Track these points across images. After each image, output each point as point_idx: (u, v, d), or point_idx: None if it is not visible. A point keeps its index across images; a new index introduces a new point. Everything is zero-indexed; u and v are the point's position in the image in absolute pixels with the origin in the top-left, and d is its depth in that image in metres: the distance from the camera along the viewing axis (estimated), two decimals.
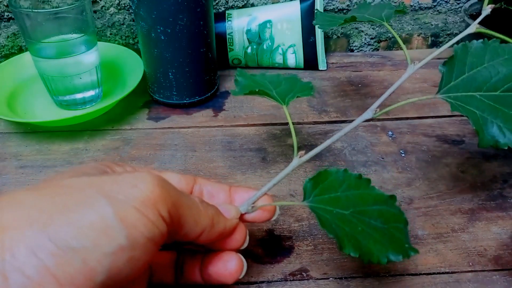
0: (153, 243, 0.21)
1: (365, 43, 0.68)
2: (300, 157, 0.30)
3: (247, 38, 0.58)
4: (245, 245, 0.29)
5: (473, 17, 0.56)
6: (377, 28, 0.67)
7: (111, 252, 0.19)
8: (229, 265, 0.27)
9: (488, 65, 0.29)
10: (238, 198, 0.30)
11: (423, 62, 0.32)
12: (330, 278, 0.33)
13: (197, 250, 0.29)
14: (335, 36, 0.67)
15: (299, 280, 0.33)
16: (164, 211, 0.21)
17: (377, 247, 0.25)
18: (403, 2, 0.65)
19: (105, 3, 0.63)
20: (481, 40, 0.30)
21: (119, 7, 0.63)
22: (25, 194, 0.20)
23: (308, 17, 0.58)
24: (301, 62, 0.60)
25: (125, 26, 0.65)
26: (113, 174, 0.23)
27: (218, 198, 0.29)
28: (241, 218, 0.29)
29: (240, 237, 0.28)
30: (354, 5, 0.65)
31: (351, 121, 0.51)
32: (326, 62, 0.62)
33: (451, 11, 0.67)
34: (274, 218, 0.30)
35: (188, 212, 0.23)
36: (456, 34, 0.68)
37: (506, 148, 0.25)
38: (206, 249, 0.29)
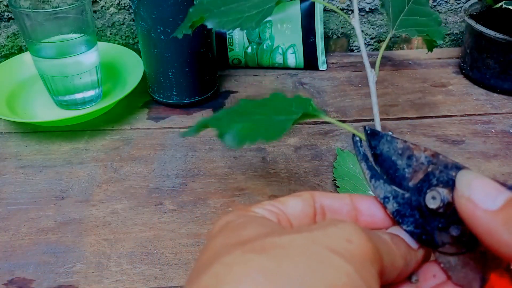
0: None
1: (365, 43, 0.68)
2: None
3: (247, 38, 0.58)
4: None
5: (473, 17, 0.56)
6: (377, 28, 0.67)
7: None
8: None
9: None
10: (365, 209, 0.26)
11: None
12: None
13: None
14: (335, 36, 0.67)
15: None
16: (377, 266, 0.19)
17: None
18: None
19: (105, 3, 0.63)
20: None
21: (119, 7, 0.63)
22: (243, 259, 0.17)
23: (308, 17, 0.58)
24: (301, 62, 0.60)
25: (125, 26, 0.65)
26: (311, 226, 0.21)
27: (341, 213, 0.26)
28: None
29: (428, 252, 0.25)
30: None
31: (351, 121, 0.51)
32: (326, 62, 0.62)
33: (451, 11, 0.67)
34: None
35: (387, 258, 0.21)
36: (456, 34, 0.68)
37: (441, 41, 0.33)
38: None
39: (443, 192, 0.22)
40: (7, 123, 0.50)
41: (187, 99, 0.52)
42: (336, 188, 0.40)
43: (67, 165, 0.44)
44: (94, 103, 0.52)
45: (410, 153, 0.24)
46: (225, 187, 0.41)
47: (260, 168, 0.44)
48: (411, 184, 0.24)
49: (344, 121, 0.50)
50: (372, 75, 0.27)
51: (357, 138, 0.26)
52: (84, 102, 0.51)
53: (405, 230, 0.24)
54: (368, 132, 0.25)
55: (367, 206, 0.26)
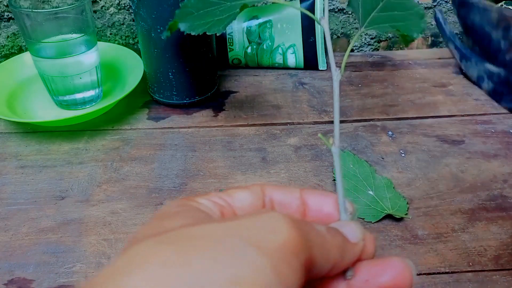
0: None
1: (365, 43, 0.68)
2: (333, 145, 0.26)
3: (247, 38, 0.58)
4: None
5: None
6: None
7: None
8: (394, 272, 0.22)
9: None
10: (313, 204, 0.26)
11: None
12: None
13: None
14: (335, 36, 0.67)
15: None
16: (302, 257, 0.18)
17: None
18: None
19: (105, 3, 0.63)
20: None
21: (119, 7, 0.63)
22: (152, 249, 0.17)
23: (308, 17, 0.58)
24: (301, 62, 0.60)
25: (125, 26, 0.65)
26: (236, 217, 0.20)
27: (291, 207, 0.25)
28: None
29: (371, 248, 0.24)
30: None
31: (351, 121, 0.51)
32: (326, 62, 0.62)
33: (451, 11, 0.67)
34: (355, 218, 0.26)
35: (318, 250, 0.20)
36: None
37: (411, 39, 0.30)
38: None
39: None
40: (7, 123, 0.50)
41: (187, 99, 0.52)
42: (336, 188, 0.40)
43: (67, 165, 0.44)
44: (94, 103, 0.52)
45: (507, 24, 0.22)
46: (225, 187, 0.41)
47: (260, 168, 0.44)
48: (507, 57, 0.21)
49: (344, 121, 0.50)
50: (336, 73, 0.26)
51: (439, 16, 0.25)
52: (84, 102, 0.51)
53: (505, 107, 0.22)
54: (457, 1, 0.23)
55: (316, 201, 0.26)
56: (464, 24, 0.24)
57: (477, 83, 0.24)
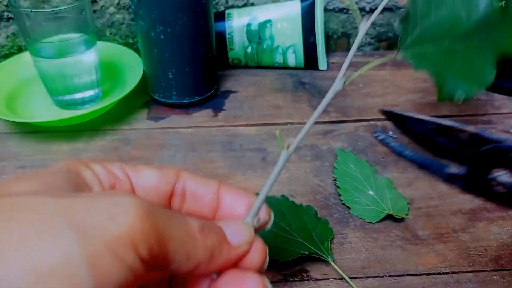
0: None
1: (366, 43, 0.68)
2: (287, 148, 0.25)
3: (247, 38, 0.58)
4: (265, 266, 0.23)
5: None
6: (377, 28, 0.67)
7: None
8: None
9: (434, 16, 0.25)
10: (227, 202, 0.24)
11: (372, 18, 0.28)
12: (331, 279, 0.33)
13: None
14: (336, 36, 0.67)
15: (299, 280, 0.33)
16: (144, 250, 0.17)
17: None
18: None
19: (105, 2, 0.62)
20: None
21: (118, 7, 0.63)
22: None
23: (308, 16, 0.58)
24: (301, 62, 0.60)
25: (124, 25, 0.65)
26: (88, 194, 0.19)
27: (202, 200, 0.24)
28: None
29: (259, 258, 0.22)
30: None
31: (351, 121, 0.51)
32: (327, 62, 0.62)
33: None
34: (268, 227, 0.25)
35: (178, 246, 0.18)
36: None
37: (460, 100, 0.23)
38: None
39: (505, 176, 0.21)
40: (7, 123, 0.50)
41: (187, 99, 0.52)
42: (336, 188, 0.40)
43: None
44: (93, 103, 0.51)
45: (446, 132, 0.22)
46: None
47: (260, 168, 0.44)
48: (462, 156, 0.22)
49: (344, 121, 0.50)
50: (340, 83, 0.25)
51: (379, 135, 0.25)
52: (83, 102, 0.51)
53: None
54: (396, 122, 0.24)
55: (231, 199, 0.24)
56: (410, 136, 0.24)
57: (447, 183, 0.24)
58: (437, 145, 0.23)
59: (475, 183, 0.22)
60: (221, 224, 0.22)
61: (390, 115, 0.24)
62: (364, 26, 0.24)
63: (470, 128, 0.22)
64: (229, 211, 0.24)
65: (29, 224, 0.15)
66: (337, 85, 0.25)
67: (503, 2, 0.50)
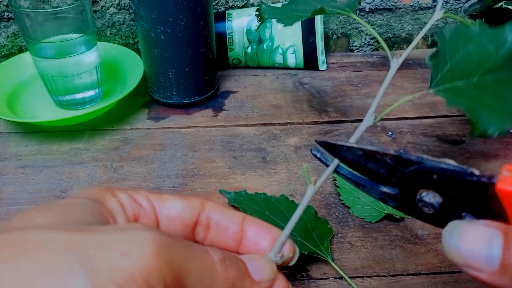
0: None
1: (365, 43, 0.68)
2: (314, 183, 0.25)
3: (247, 38, 0.58)
4: None
5: (473, 17, 0.56)
6: (377, 28, 0.67)
7: None
8: None
9: (462, 52, 0.25)
10: (251, 234, 0.24)
11: (404, 56, 0.29)
12: (330, 278, 0.33)
13: None
14: (335, 36, 0.67)
15: (299, 279, 0.33)
16: (163, 286, 0.16)
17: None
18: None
19: (105, 3, 0.63)
20: (453, 26, 0.28)
21: (119, 7, 0.63)
22: None
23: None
24: (301, 62, 0.60)
25: (125, 26, 0.65)
26: (103, 228, 0.18)
27: (226, 232, 0.24)
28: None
29: None
30: None
31: (351, 121, 0.51)
32: (326, 62, 0.62)
33: (451, 11, 0.67)
34: (293, 263, 0.25)
35: (196, 279, 0.18)
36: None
37: (495, 136, 0.23)
38: None
39: (430, 197, 0.22)
40: (7, 123, 0.50)
41: (187, 99, 0.52)
42: (336, 188, 0.40)
43: (67, 165, 0.44)
44: (94, 103, 0.52)
45: (373, 158, 0.23)
46: (225, 187, 0.41)
47: (260, 168, 0.44)
48: (394, 179, 0.23)
49: (344, 121, 0.50)
50: (371, 119, 0.26)
51: (317, 153, 0.25)
52: (84, 102, 0.51)
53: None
54: (322, 145, 0.24)
55: (255, 232, 0.24)
56: (347, 164, 0.25)
57: (383, 202, 0.24)
58: (370, 170, 0.23)
59: (406, 204, 0.23)
60: (244, 258, 0.22)
61: (325, 145, 0.24)
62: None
63: (391, 151, 0.22)
64: (253, 244, 0.24)
65: (39, 262, 0.15)
66: (368, 121, 0.26)
67: (503, 2, 0.50)
